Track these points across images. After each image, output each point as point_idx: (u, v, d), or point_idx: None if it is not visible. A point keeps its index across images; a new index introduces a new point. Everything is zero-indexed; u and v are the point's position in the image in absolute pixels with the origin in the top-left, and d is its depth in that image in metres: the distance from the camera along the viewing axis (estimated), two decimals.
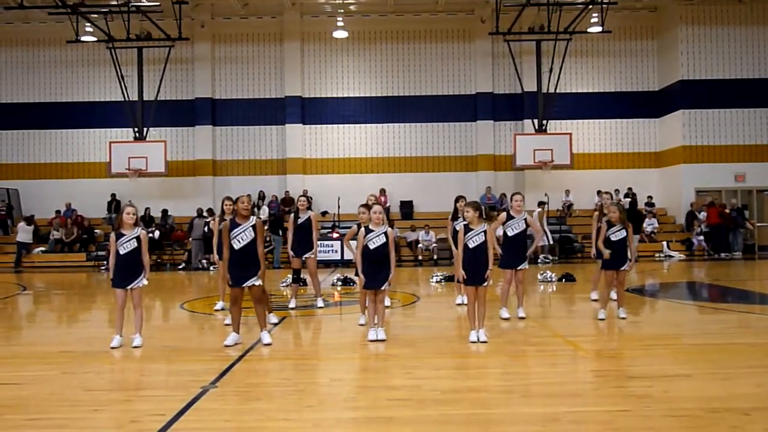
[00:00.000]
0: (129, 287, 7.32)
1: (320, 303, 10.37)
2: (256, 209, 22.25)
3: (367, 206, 8.31)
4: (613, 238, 8.75)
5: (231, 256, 7.35)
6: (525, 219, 8.90)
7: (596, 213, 10.39)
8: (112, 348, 7.20)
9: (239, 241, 7.24)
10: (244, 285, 7.25)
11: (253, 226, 7.29)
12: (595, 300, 10.52)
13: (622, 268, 8.81)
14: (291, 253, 10.07)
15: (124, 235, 7.32)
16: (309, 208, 10.17)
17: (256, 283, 7.26)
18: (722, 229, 20.96)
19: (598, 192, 23.04)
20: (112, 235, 7.38)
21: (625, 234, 8.75)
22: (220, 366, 6.33)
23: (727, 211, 21.23)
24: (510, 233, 8.85)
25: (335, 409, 5.08)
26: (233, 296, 7.42)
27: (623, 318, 8.74)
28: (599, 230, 9.68)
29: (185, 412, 4.90)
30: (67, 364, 6.64)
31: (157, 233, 20.82)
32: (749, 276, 15.89)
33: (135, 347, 7.22)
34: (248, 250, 7.27)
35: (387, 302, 9.88)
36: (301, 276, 10.50)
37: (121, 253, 7.30)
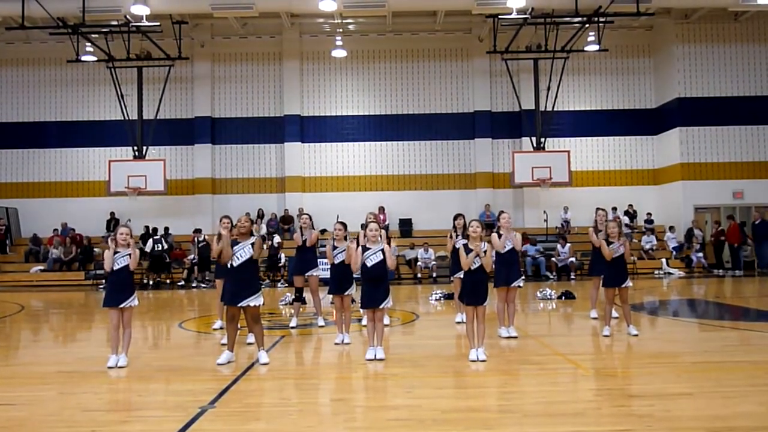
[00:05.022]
0: (121, 306, 7.31)
1: (321, 322, 10.32)
2: (254, 227, 22.21)
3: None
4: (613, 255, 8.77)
5: (228, 273, 7.34)
6: (514, 236, 8.90)
7: (591, 229, 10.42)
8: (109, 368, 7.17)
9: (237, 258, 7.24)
10: (240, 305, 7.24)
11: (252, 244, 7.29)
12: (594, 318, 10.50)
13: (623, 285, 8.81)
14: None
15: (118, 252, 7.35)
16: (312, 226, 10.15)
17: (252, 304, 7.24)
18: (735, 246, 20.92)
19: (597, 209, 23.10)
20: (107, 252, 7.42)
21: (623, 251, 8.77)
22: (219, 386, 6.29)
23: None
24: (501, 251, 8.83)
25: (335, 429, 5.03)
26: (229, 315, 7.40)
27: (635, 335, 8.72)
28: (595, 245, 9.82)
29: None
30: (65, 385, 6.59)
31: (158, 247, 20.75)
32: (750, 293, 15.85)
33: (120, 367, 7.20)
34: (246, 268, 7.27)
35: (386, 321, 9.84)
36: (303, 294, 10.46)
37: (114, 269, 7.32)
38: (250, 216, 7.74)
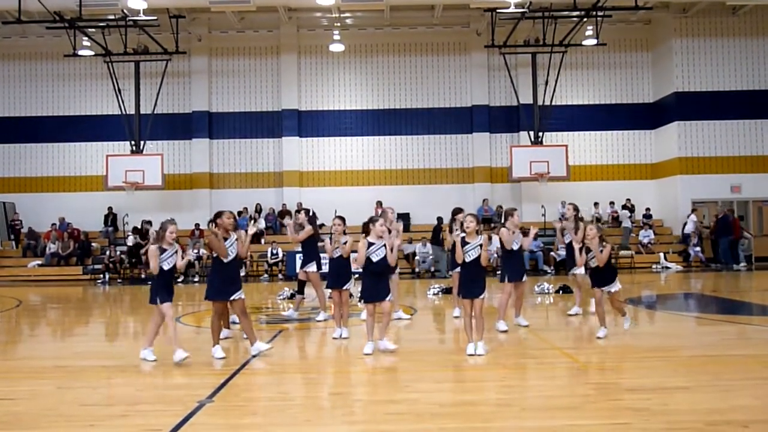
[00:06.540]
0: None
1: (321, 316, 10.28)
2: (253, 221, 22.20)
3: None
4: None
5: (218, 269, 7.38)
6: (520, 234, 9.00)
7: (558, 225, 10.56)
8: (152, 361, 7.13)
9: (229, 253, 7.30)
10: (230, 299, 7.33)
11: (237, 240, 7.39)
12: (571, 315, 10.37)
13: (614, 290, 8.56)
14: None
15: (166, 250, 7.18)
16: (310, 221, 10.15)
17: (240, 297, 7.32)
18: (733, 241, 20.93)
19: (595, 204, 23.16)
20: (155, 248, 7.12)
21: (596, 262, 8.39)
22: (217, 380, 6.29)
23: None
24: (513, 248, 8.90)
25: (333, 423, 5.04)
26: (217, 310, 7.45)
27: (626, 328, 8.70)
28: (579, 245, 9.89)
29: (181, 427, 4.86)
30: (62, 379, 6.59)
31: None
32: (747, 287, 15.88)
33: (185, 359, 6.98)
34: (234, 264, 7.39)
35: (400, 314, 9.97)
36: (303, 289, 10.48)
37: (165, 269, 7.18)
38: (233, 213, 7.68)
